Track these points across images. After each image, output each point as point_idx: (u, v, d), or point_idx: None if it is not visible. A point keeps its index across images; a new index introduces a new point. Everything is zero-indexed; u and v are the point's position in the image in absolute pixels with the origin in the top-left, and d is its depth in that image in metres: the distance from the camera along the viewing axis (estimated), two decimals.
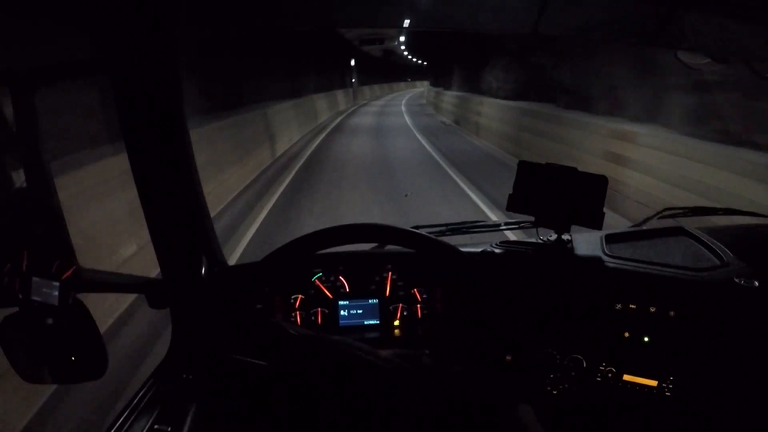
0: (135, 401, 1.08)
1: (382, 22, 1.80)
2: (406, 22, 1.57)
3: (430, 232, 1.39)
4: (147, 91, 1.04)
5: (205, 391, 1.01)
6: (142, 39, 0.99)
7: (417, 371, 0.86)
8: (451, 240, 1.32)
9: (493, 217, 5.95)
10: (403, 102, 31.78)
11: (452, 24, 1.58)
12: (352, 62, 29.83)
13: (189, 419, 1.07)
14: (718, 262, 1.29)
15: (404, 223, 1.07)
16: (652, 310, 1.21)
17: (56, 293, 0.87)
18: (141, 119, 1.06)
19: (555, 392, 1.22)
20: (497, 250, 1.33)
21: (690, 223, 1.52)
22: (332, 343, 0.85)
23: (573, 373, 1.21)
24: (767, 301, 1.19)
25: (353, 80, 31.10)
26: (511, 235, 1.87)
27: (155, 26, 1.00)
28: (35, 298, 0.87)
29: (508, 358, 1.20)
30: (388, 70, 48.56)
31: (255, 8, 1.36)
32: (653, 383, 1.21)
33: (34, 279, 0.87)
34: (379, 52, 32.33)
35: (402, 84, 63.14)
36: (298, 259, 0.99)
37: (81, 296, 0.91)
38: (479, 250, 1.33)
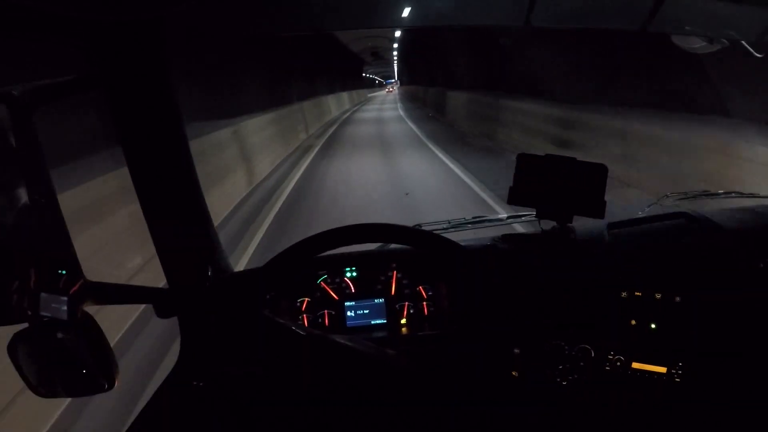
0: (147, 410, 1.09)
1: (378, 21, 1.78)
2: (405, 13, 1.55)
3: (432, 230, 1.40)
4: (143, 102, 1.04)
5: (216, 397, 1.02)
6: (135, 51, 1.00)
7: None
8: (455, 236, 1.32)
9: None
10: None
11: (444, 19, 1.57)
12: None
13: (201, 426, 1.08)
14: (721, 246, 1.29)
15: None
16: (658, 296, 1.21)
17: (65, 307, 0.88)
18: (139, 130, 1.06)
19: (564, 383, 1.21)
20: (500, 245, 1.33)
21: (693, 207, 1.52)
22: (340, 342, 0.86)
23: (582, 364, 1.21)
24: None
25: None
26: (516, 228, 1.87)
27: (148, 38, 1.01)
28: (44, 313, 0.88)
29: (516, 351, 1.20)
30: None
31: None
32: (662, 370, 1.21)
33: (43, 294, 0.88)
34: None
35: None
36: (302, 262, 0.99)
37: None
38: (482, 245, 1.34)
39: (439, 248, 0.99)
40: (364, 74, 45.22)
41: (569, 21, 1.42)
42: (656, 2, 1.21)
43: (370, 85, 56.13)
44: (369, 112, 26.86)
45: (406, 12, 1.51)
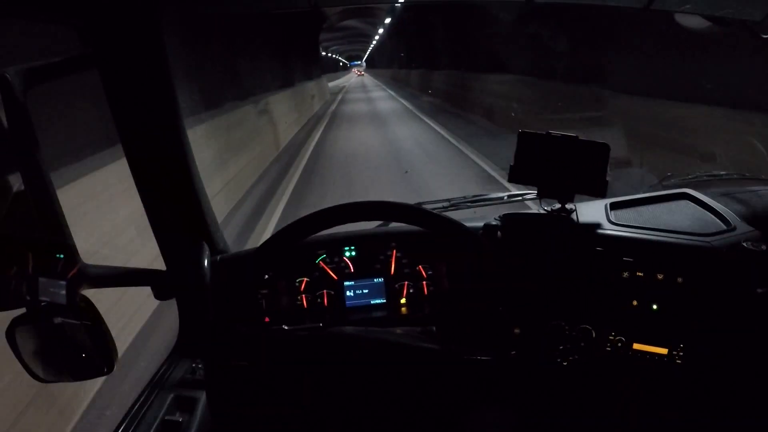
0: (145, 392, 1.10)
1: None
2: None
3: (432, 208, 1.38)
4: (138, 81, 1.03)
5: (214, 378, 1.02)
6: (129, 31, 0.98)
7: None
8: (454, 215, 1.30)
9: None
10: None
11: None
12: None
13: (200, 407, 1.08)
14: (724, 227, 1.27)
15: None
16: (660, 277, 1.19)
17: (63, 292, 0.88)
18: (133, 111, 1.05)
19: (565, 363, 1.21)
20: (501, 224, 1.31)
21: (695, 188, 1.50)
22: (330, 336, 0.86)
23: (582, 344, 1.20)
24: None
25: None
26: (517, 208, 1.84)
27: (142, 16, 0.99)
28: (42, 298, 0.87)
29: (516, 331, 1.19)
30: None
31: None
32: (663, 351, 1.20)
33: (41, 279, 0.88)
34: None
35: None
36: (298, 241, 0.99)
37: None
38: (482, 224, 1.32)
39: (439, 227, 0.97)
40: (324, 53, 27.91)
41: None
42: None
43: (333, 68, 36.10)
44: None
45: None
